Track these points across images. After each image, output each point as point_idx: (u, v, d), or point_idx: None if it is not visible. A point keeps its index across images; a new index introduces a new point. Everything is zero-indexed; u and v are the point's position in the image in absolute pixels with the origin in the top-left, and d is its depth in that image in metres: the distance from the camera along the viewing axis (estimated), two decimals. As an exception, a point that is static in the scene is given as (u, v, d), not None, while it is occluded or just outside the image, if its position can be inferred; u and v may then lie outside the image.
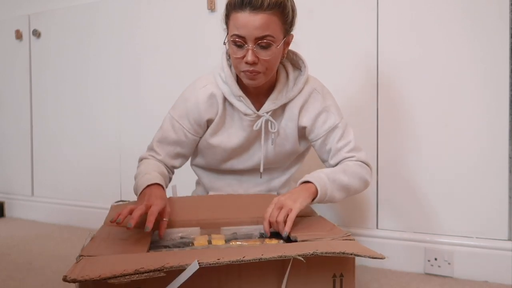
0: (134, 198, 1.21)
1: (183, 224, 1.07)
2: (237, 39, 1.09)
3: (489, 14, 1.40)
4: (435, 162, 1.50)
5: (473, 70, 1.43)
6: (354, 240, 0.92)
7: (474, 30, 1.43)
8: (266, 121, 1.22)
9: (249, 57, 1.08)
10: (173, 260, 0.71)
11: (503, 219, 1.41)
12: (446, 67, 1.47)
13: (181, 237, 1.03)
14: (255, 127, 1.22)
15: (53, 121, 2.38)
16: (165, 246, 0.98)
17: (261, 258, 0.72)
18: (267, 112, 1.21)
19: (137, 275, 0.66)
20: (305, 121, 1.24)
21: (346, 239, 0.91)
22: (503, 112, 1.40)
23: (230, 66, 1.23)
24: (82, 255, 0.78)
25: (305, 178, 1.14)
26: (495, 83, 1.41)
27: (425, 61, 1.50)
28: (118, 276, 0.65)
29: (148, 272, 0.67)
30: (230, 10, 1.12)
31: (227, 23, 1.15)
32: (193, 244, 0.97)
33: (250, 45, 1.08)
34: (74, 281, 0.64)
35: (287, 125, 1.25)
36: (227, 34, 1.15)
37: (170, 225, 1.05)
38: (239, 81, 1.23)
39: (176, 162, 1.29)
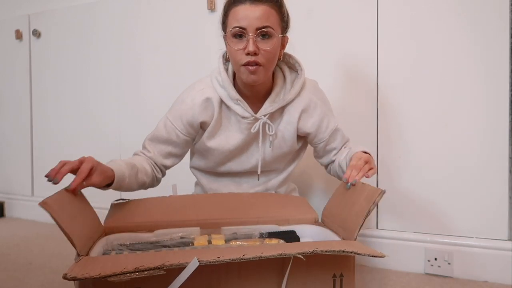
0: (134, 197, 1.21)
1: (183, 224, 1.07)
2: (237, 30, 1.10)
3: (489, 14, 1.40)
4: (435, 162, 1.50)
5: (473, 70, 1.43)
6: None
7: (474, 30, 1.43)
8: (264, 124, 1.24)
9: (251, 47, 1.09)
10: (173, 259, 0.71)
11: (503, 219, 1.41)
12: (446, 67, 1.47)
13: (181, 237, 1.02)
14: (253, 130, 1.23)
15: (53, 121, 2.38)
16: (165, 246, 0.98)
17: (261, 256, 0.72)
18: (264, 115, 1.22)
19: (137, 273, 0.66)
20: (309, 127, 1.27)
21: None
22: (503, 112, 1.40)
23: (226, 70, 1.24)
24: (81, 255, 0.78)
25: (364, 149, 1.23)
26: (495, 83, 1.41)
27: (425, 61, 1.50)
28: (118, 274, 0.65)
29: (148, 270, 0.67)
30: (228, 6, 1.14)
31: (225, 22, 1.16)
32: (193, 244, 0.97)
33: (251, 35, 1.09)
34: (74, 279, 0.64)
35: (286, 127, 1.27)
36: (225, 33, 1.16)
37: (170, 225, 1.05)
38: (235, 85, 1.24)
39: (167, 161, 1.29)
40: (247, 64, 1.12)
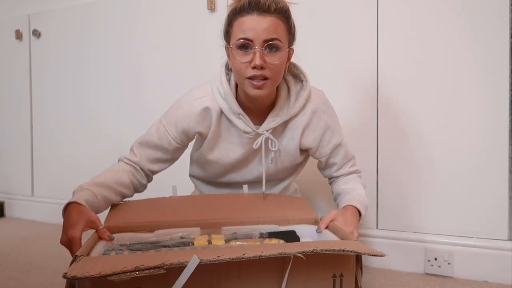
0: (134, 197, 1.21)
1: (183, 224, 1.06)
2: (244, 41, 1.05)
3: (489, 14, 1.40)
4: (435, 162, 1.50)
5: (473, 70, 1.44)
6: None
7: (474, 30, 1.43)
8: (266, 139, 1.18)
9: (257, 60, 1.03)
10: (173, 258, 0.71)
11: (503, 219, 1.41)
12: (446, 67, 1.47)
13: (181, 237, 1.02)
14: (255, 146, 1.18)
15: (53, 121, 2.38)
16: (165, 246, 0.97)
17: (261, 255, 0.72)
18: (267, 130, 1.17)
19: (137, 272, 0.66)
20: (310, 142, 1.22)
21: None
22: (503, 112, 1.40)
23: (229, 81, 1.18)
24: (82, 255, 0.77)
25: (351, 202, 1.17)
26: (495, 83, 1.41)
27: (425, 61, 1.50)
28: (118, 273, 0.65)
29: (148, 269, 0.67)
30: (233, 16, 1.08)
31: (228, 32, 1.11)
32: (193, 244, 0.97)
33: (257, 47, 1.04)
34: (74, 278, 0.64)
35: (289, 143, 1.22)
36: (228, 43, 1.11)
37: (170, 225, 1.05)
38: (237, 96, 1.19)
39: (154, 167, 1.23)
40: (252, 77, 1.06)
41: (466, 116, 1.45)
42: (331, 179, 1.34)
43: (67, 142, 2.32)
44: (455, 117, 1.47)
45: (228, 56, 1.14)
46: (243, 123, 1.17)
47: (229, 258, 0.71)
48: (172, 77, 1.99)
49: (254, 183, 1.29)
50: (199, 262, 0.70)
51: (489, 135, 1.42)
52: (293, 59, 1.19)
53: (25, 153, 2.49)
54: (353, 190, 1.23)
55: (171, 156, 1.24)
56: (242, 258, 0.71)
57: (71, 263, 0.75)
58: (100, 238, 0.96)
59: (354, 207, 1.16)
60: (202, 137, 1.24)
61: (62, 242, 0.95)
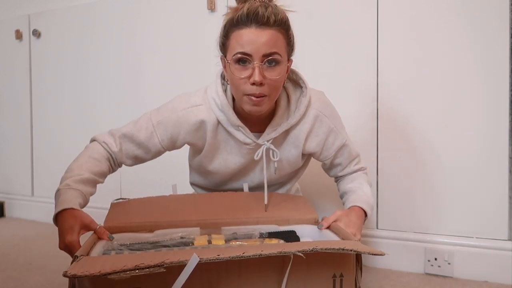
0: (134, 196, 1.21)
1: (183, 224, 1.06)
2: (242, 56, 1.01)
3: (489, 14, 1.40)
4: (435, 162, 1.50)
5: (473, 70, 1.44)
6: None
7: (474, 30, 1.43)
8: (267, 150, 1.15)
9: (257, 76, 0.99)
10: (173, 258, 0.71)
11: (503, 219, 1.41)
12: (446, 67, 1.47)
13: (181, 237, 1.02)
14: (256, 157, 1.14)
15: (53, 121, 2.38)
16: (165, 246, 0.98)
17: (261, 254, 0.72)
18: (267, 141, 1.14)
19: (137, 271, 0.66)
20: (314, 147, 1.20)
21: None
22: (503, 112, 1.40)
23: (225, 91, 1.14)
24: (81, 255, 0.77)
25: (356, 203, 1.17)
26: (495, 83, 1.41)
27: (425, 61, 1.50)
28: (118, 272, 0.65)
29: (148, 267, 0.67)
30: (230, 28, 1.03)
31: (225, 44, 1.06)
32: (193, 244, 0.97)
33: (257, 63, 1.00)
34: (74, 276, 0.64)
35: (290, 151, 1.19)
36: (225, 55, 1.07)
37: (170, 225, 1.05)
38: (235, 107, 1.14)
39: (128, 162, 1.19)
40: (251, 94, 1.03)
41: (466, 116, 1.45)
42: (337, 178, 1.33)
43: (67, 142, 2.32)
44: (455, 117, 1.47)
45: (224, 67, 1.10)
46: (243, 134, 1.14)
47: (229, 257, 0.71)
48: (172, 77, 1.99)
49: (254, 189, 1.28)
50: (199, 261, 0.70)
51: (489, 135, 1.42)
52: (292, 59, 1.18)
53: (25, 153, 2.49)
54: (359, 189, 1.22)
55: (150, 157, 1.21)
56: (242, 256, 0.71)
57: (72, 263, 0.75)
58: (99, 238, 0.96)
59: (360, 208, 1.16)
60: (194, 147, 1.22)
61: (60, 248, 0.94)
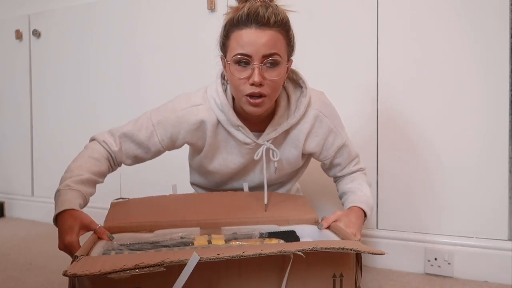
0: (134, 195, 1.22)
1: (183, 224, 1.06)
2: (241, 57, 1.01)
3: (489, 14, 1.40)
4: (435, 162, 1.50)
5: (473, 70, 1.44)
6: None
7: (474, 30, 1.43)
8: (267, 150, 1.15)
9: (256, 77, 1.00)
10: (173, 257, 0.71)
11: (503, 219, 1.41)
12: (446, 67, 1.47)
13: (181, 237, 1.02)
14: (256, 157, 1.15)
15: (53, 121, 2.38)
16: (165, 246, 0.98)
17: (261, 253, 0.72)
18: (267, 140, 1.15)
19: (137, 270, 0.66)
20: (313, 147, 1.20)
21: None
22: (503, 112, 1.40)
23: (225, 91, 1.14)
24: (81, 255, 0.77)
25: (356, 203, 1.17)
26: (495, 83, 1.41)
27: (425, 61, 1.50)
28: (118, 271, 0.65)
29: (148, 267, 0.67)
30: (230, 28, 1.03)
31: (225, 44, 1.07)
32: (193, 244, 0.97)
33: (256, 63, 1.00)
34: (74, 275, 0.64)
35: (290, 151, 1.20)
36: (225, 55, 1.07)
37: (170, 225, 1.05)
38: (235, 107, 1.15)
39: (128, 161, 1.19)
40: (250, 95, 1.03)
41: (466, 116, 1.45)
42: (336, 178, 1.33)
43: (67, 142, 2.32)
44: (455, 117, 1.47)
45: (224, 67, 1.11)
46: (243, 134, 1.14)
47: (229, 256, 0.71)
48: (172, 77, 1.99)
49: (254, 188, 1.28)
50: (199, 260, 0.70)
51: (489, 135, 1.42)
52: (292, 59, 1.18)
53: (25, 153, 2.49)
54: (359, 189, 1.22)
55: (150, 157, 1.21)
56: (242, 256, 0.71)
57: (72, 263, 0.75)
58: (99, 238, 0.96)
59: (360, 208, 1.16)
60: (194, 147, 1.22)
61: (60, 248, 0.94)
